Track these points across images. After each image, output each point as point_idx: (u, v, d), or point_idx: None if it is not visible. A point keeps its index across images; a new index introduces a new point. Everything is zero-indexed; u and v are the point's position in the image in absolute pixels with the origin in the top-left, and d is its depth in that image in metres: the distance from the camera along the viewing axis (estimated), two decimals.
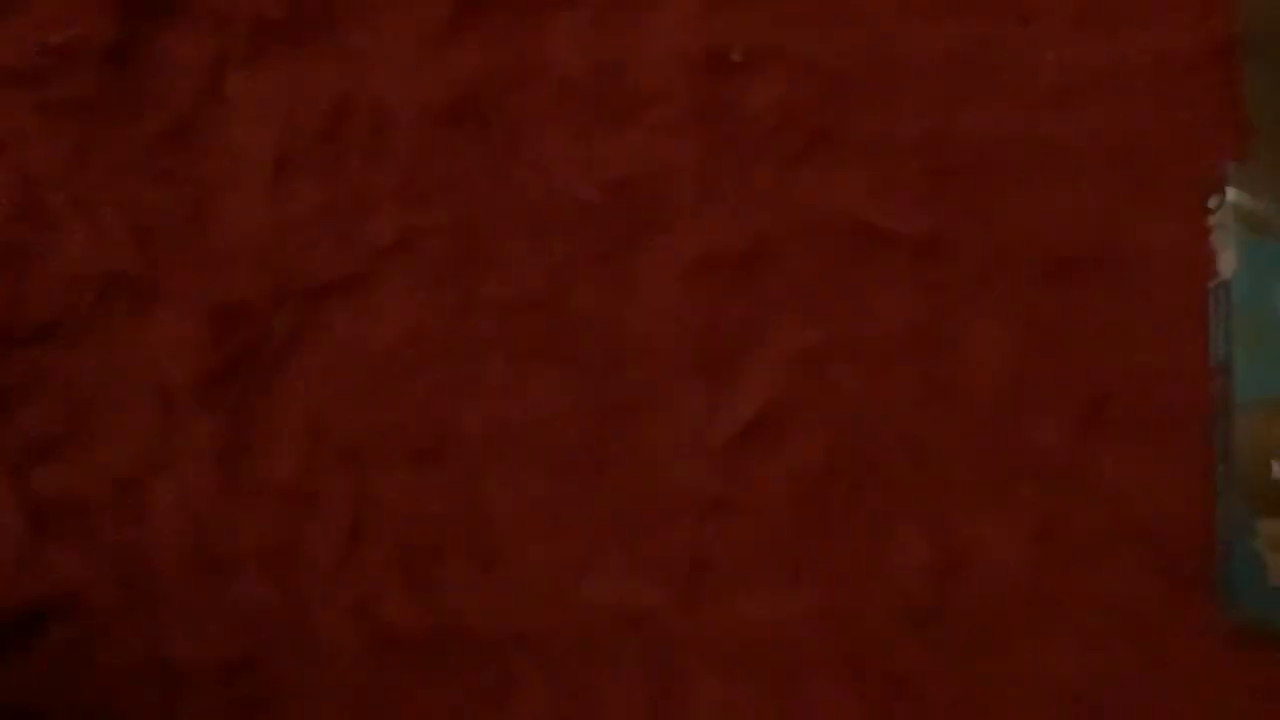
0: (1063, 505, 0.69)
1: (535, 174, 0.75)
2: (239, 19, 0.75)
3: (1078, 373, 0.72)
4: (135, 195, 0.71)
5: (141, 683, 0.63)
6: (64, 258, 0.69)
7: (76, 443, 0.66)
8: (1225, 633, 0.66)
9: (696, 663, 0.67)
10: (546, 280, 0.72)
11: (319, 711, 0.65)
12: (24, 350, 0.68)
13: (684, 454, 0.70)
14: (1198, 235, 0.72)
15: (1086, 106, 0.77)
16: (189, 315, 0.69)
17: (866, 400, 0.71)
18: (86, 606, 0.61)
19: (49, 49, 0.71)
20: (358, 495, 0.66)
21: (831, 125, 0.79)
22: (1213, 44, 0.72)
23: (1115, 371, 0.71)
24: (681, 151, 0.77)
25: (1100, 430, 0.70)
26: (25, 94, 0.71)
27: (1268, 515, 0.66)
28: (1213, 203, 0.71)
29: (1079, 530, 0.69)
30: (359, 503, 0.66)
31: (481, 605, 0.65)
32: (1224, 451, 0.68)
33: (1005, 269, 0.74)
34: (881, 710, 0.66)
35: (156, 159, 0.72)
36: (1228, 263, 0.69)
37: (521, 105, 0.77)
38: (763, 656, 0.67)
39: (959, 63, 0.80)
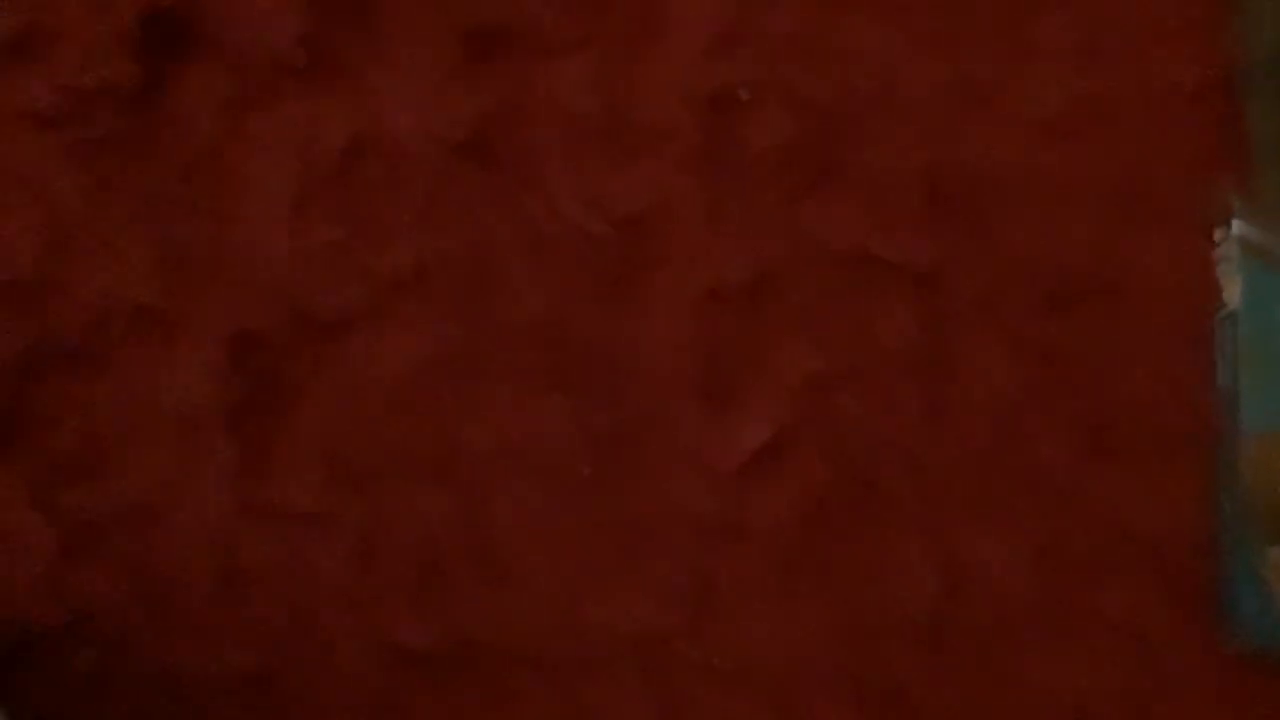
0: (1064, 526, 0.70)
1: (544, 207, 0.77)
2: (256, 59, 0.77)
3: (1079, 398, 0.73)
4: (157, 230, 0.73)
5: (160, 699, 0.65)
6: (89, 290, 0.71)
7: (102, 467, 0.68)
8: (1229, 655, 0.67)
9: (701, 683, 0.68)
10: (554, 309, 0.74)
11: None
12: (51, 379, 0.70)
13: (689, 478, 0.71)
14: (1197, 265, 0.73)
15: (1087, 137, 0.79)
16: (208, 344, 0.71)
17: (869, 424, 0.72)
18: (109, 625, 0.63)
19: (73, 91, 0.73)
20: (370, 517, 0.68)
21: (833, 158, 0.81)
22: (1214, 75, 0.74)
23: (1117, 397, 0.72)
24: (687, 185, 0.78)
25: (1102, 454, 0.71)
26: (51, 135, 0.74)
27: (1275, 543, 0.67)
28: (1218, 235, 0.72)
29: (1081, 550, 0.70)
30: (371, 524, 0.68)
31: (489, 624, 0.67)
32: (1229, 479, 0.68)
33: (1006, 297, 0.76)
34: None
35: (178, 194, 0.74)
36: (1234, 294, 0.70)
37: (531, 141, 0.79)
38: (767, 677, 0.68)
39: (958, 95, 0.82)
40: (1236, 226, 0.71)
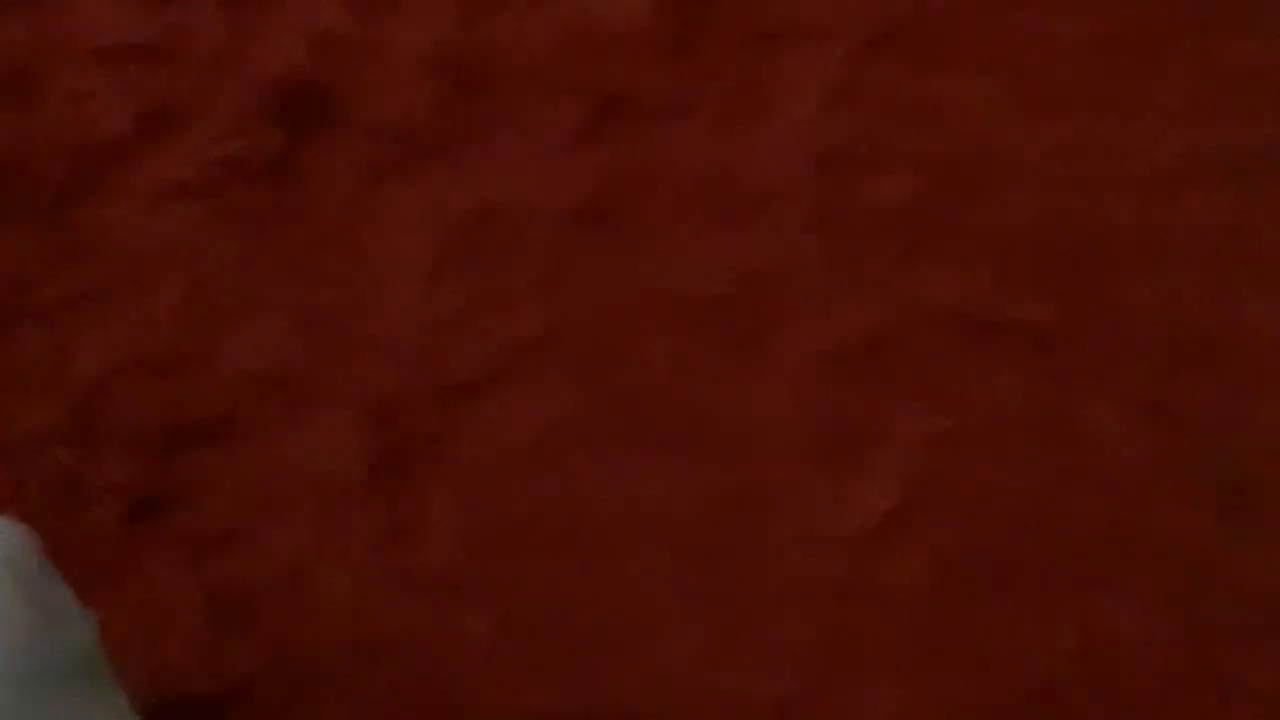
0: (1201, 591, 0.69)
1: (664, 270, 0.77)
2: (390, 129, 0.79)
3: (1206, 458, 0.72)
4: (297, 297, 0.74)
5: None
6: (234, 359, 0.73)
7: (248, 536, 0.69)
8: None
9: None
10: (677, 372, 0.75)
11: None
12: (198, 449, 0.71)
13: (816, 543, 0.71)
14: None
15: (1202, 192, 0.78)
16: (349, 411, 0.72)
17: (997, 488, 0.72)
18: (260, 693, 0.64)
19: (215, 162, 0.75)
20: (505, 583, 0.69)
21: (949, 217, 0.81)
22: None
23: (1244, 456, 0.71)
24: (805, 246, 0.79)
25: (1233, 515, 0.70)
26: (195, 206, 0.75)
27: None
28: None
29: (1219, 617, 0.68)
30: (506, 590, 0.69)
31: (622, 690, 0.67)
32: None
33: (1126, 356, 0.75)
34: None
35: (317, 262, 0.76)
36: None
37: (650, 205, 0.80)
38: None
39: (1071, 152, 0.82)
40: None
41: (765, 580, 0.70)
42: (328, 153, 0.76)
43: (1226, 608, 0.68)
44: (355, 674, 0.66)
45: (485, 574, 0.69)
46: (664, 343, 0.76)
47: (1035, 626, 0.68)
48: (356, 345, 0.74)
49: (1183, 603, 0.68)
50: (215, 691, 0.64)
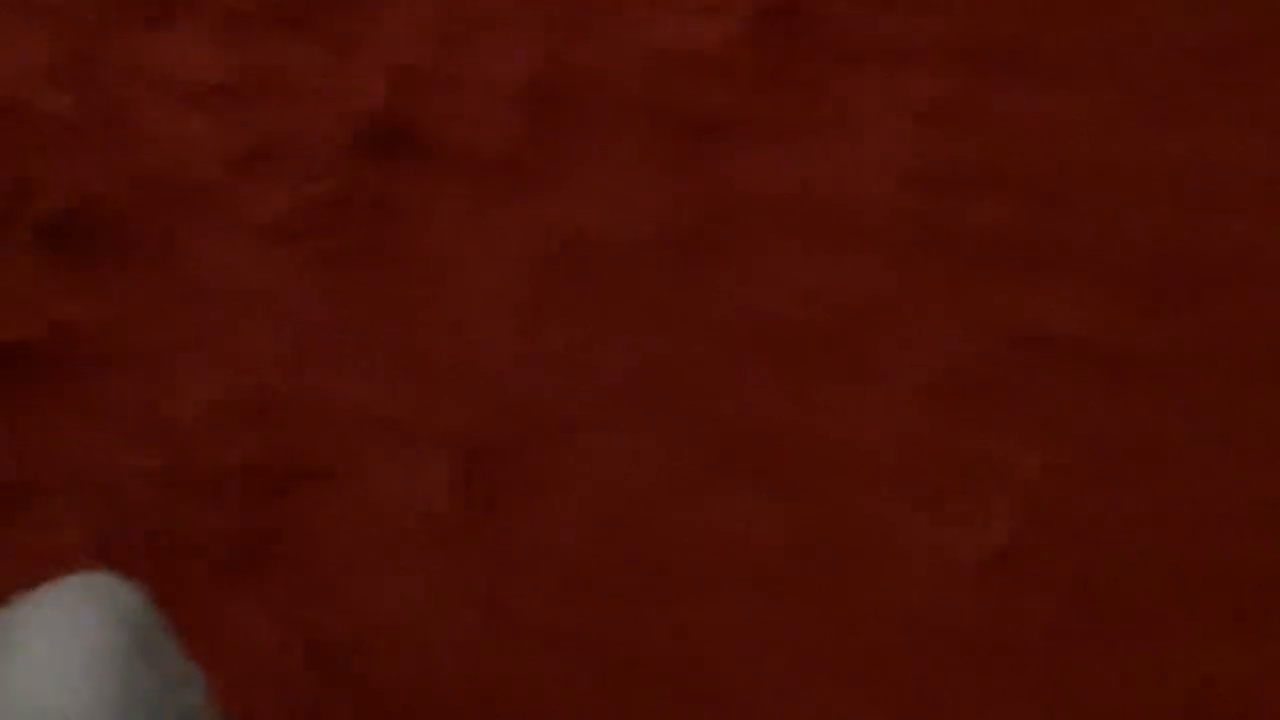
0: None
1: (760, 300, 0.75)
2: (481, 162, 0.78)
3: None
4: (393, 336, 0.73)
5: None
6: (327, 401, 0.72)
7: (344, 584, 0.68)
8: None
9: None
10: (773, 408, 0.73)
11: None
12: (295, 494, 0.70)
13: (917, 585, 0.69)
14: None
15: None
16: (444, 454, 0.71)
17: (1117, 526, 0.69)
18: None
19: (306, 200, 0.74)
20: (605, 629, 0.67)
21: (1056, 239, 0.78)
22: None
23: None
24: (906, 272, 0.77)
25: None
26: (292, 244, 0.75)
27: None
28: None
29: None
30: (606, 636, 0.67)
31: None
32: None
33: (1251, 382, 0.73)
34: None
35: (412, 299, 0.75)
36: None
37: (746, 233, 0.78)
38: None
39: (1184, 169, 0.79)
40: None
41: (863, 626, 0.68)
42: (419, 188, 0.75)
43: None
44: None
45: (585, 619, 0.67)
46: (761, 376, 0.74)
47: (1155, 673, 0.65)
48: (452, 385, 0.73)
49: None
50: None
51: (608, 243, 0.77)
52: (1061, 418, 0.73)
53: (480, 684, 0.65)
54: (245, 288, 0.74)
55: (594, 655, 0.66)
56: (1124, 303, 0.75)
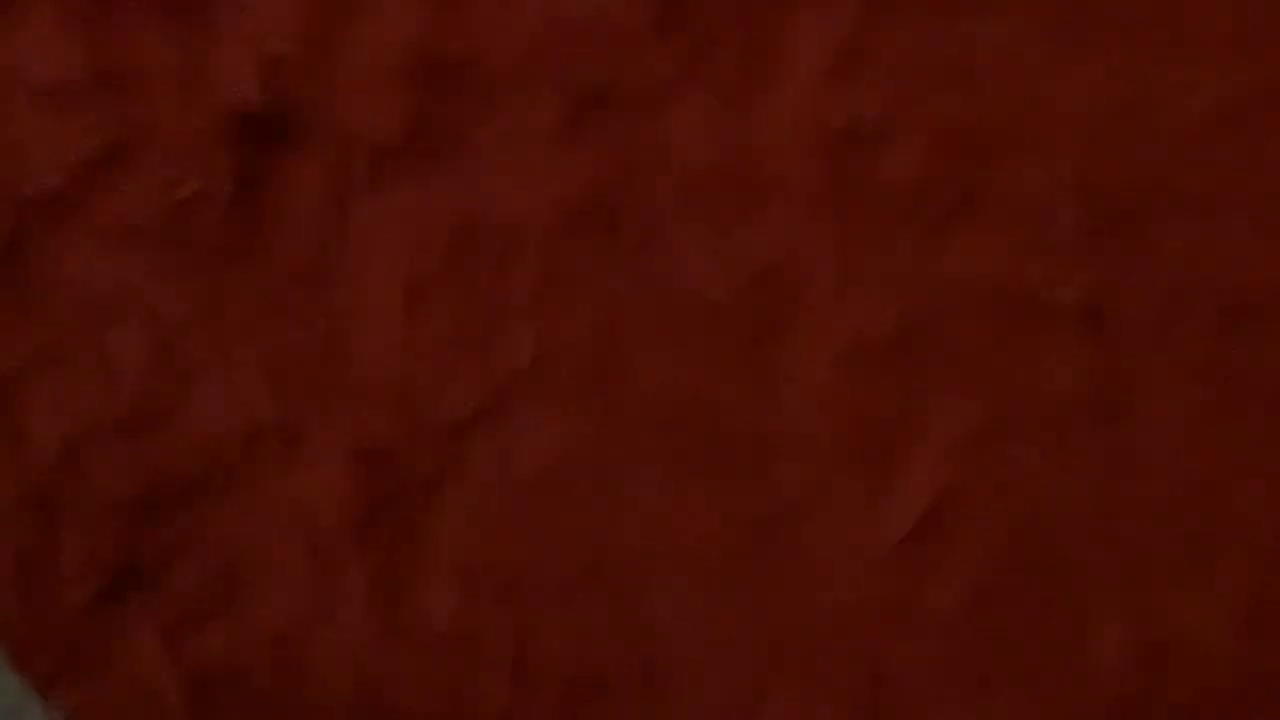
0: (1275, 585, 0.64)
1: (667, 274, 0.72)
2: (356, 146, 0.74)
3: (1274, 435, 0.67)
4: (270, 340, 0.70)
5: None
6: (202, 414, 0.69)
7: (230, 605, 0.65)
8: None
9: None
10: (688, 385, 0.70)
11: None
12: (170, 513, 0.68)
13: (850, 559, 0.66)
14: None
15: (1253, 140, 0.72)
16: (333, 461, 0.68)
17: (1046, 482, 0.67)
18: None
19: (170, 199, 0.71)
20: (517, 633, 0.65)
21: (976, 187, 0.75)
22: None
23: None
24: (819, 232, 0.74)
25: None
26: (154, 249, 0.72)
27: None
28: None
29: None
30: (519, 640, 0.65)
31: None
32: None
33: (1180, 324, 0.70)
34: None
35: (289, 299, 0.72)
36: None
37: (649, 201, 0.75)
38: None
39: (1110, 103, 0.75)
40: None
41: (799, 606, 0.65)
42: (297, 180, 0.71)
43: None
44: None
45: (496, 626, 0.65)
46: (672, 354, 0.71)
47: (1095, 635, 0.63)
48: (337, 387, 0.70)
49: (1257, 597, 0.63)
50: None
51: (506, 223, 0.74)
52: (990, 374, 0.70)
53: (380, 697, 0.63)
54: (106, 299, 0.71)
55: (508, 665, 0.64)
56: (1047, 250, 0.73)
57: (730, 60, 0.78)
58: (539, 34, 0.77)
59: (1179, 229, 0.72)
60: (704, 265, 0.73)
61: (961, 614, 0.65)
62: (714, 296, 0.72)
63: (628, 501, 0.67)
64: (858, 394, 0.70)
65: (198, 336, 0.70)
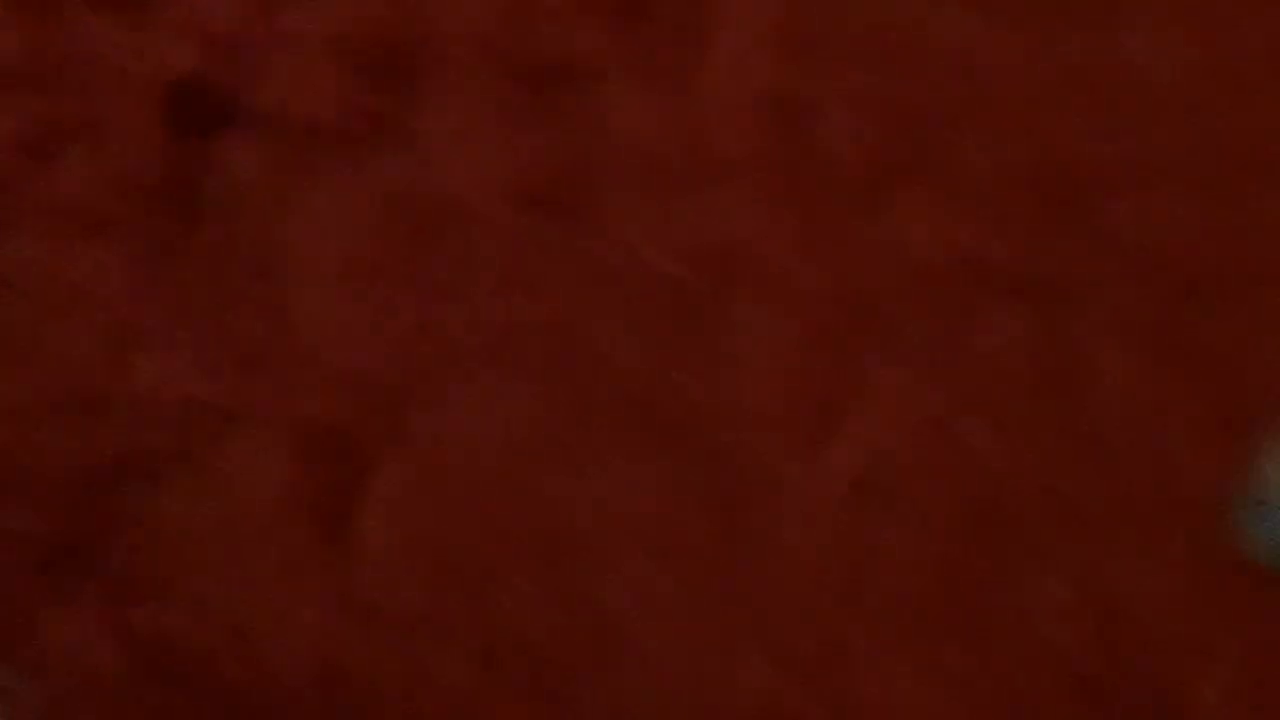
0: (1216, 546, 0.64)
1: (613, 253, 0.72)
2: (299, 126, 0.73)
3: (1223, 399, 0.67)
4: (212, 320, 0.69)
5: None
6: (144, 393, 0.68)
7: (174, 583, 0.64)
8: None
9: None
10: (640, 363, 0.70)
11: None
12: (120, 490, 0.66)
13: (804, 531, 0.66)
14: None
15: (1207, 109, 0.73)
16: (278, 438, 0.67)
17: (995, 451, 0.67)
18: None
19: (109, 183, 0.70)
20: (476, 610, 0.64)
21: (921, 160, 0.75)
22: None
23: (1261, 398, 0.66)
24: (764, 208, 0.73)
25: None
26: (91, 233, 0.70)
27: None
28: None
29: (1239, 570, 0.64)
30: (478, 618, 0.64)
31: (612, 712, 0.62)
32: None
33: (1128, 296, 0.70)
34: None
35: (230, 279, 0.71)
36: None
37: (597, 180, 0.75)
38: None
39: (1055, 76, 0.76)
40: None
41: (752, 575, 0.65)
42: (242, 161, 0.70)
43: (1242, 558, 0.63)
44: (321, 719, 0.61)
45: (452, 606, 0.64)
46: (624, 333, 0.71)
47: (1046, 601, 0.63)
48: (280, 365, 0.69)
49: (1203, 560, 0.63)
50: None
51: (454, 204, 0.73)
52: (939, 346, 0.70)
53: (338, 681, 0.62)
54: (49, 285, 0.70)
55: (465, 645, 0.63)
56: (993, 222, 0.73)
57: (671, 32, 0.77)
58: (489, 11, 0.77)
59: (1131, 203, 0.72)
60: (650, 243, 0.73)
61: (913, 579, 0.65)
62: (659, 275, 0.72)
63: (579, 478, 0.67)
64: (806, 368, 0.70)
65: (136, 317, 0.69)
